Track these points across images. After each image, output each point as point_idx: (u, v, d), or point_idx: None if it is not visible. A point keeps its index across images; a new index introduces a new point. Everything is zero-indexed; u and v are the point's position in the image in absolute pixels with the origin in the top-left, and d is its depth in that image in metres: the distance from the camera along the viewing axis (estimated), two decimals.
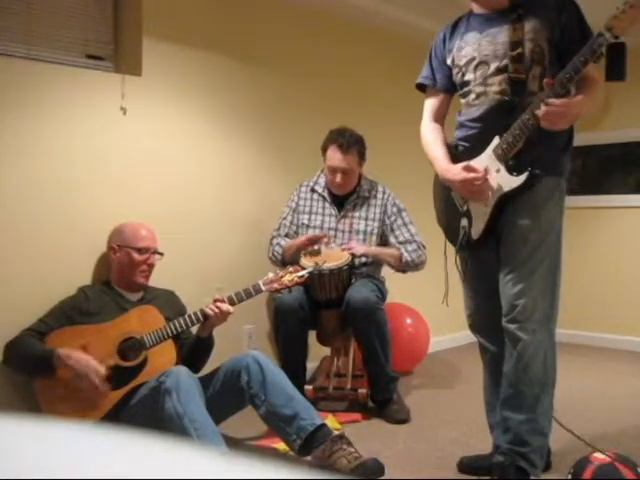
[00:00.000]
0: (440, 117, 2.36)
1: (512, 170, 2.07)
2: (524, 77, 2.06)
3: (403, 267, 3.19)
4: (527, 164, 2.05)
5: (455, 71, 2.23)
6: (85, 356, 2.31)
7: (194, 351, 2.55)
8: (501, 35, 2.09)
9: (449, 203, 2.28)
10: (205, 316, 2.43)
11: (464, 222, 2.23)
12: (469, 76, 2.17)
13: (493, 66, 2.10)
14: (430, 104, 2.36)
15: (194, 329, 2.55)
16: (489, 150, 2.11)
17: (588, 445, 2.23)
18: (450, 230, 2.32)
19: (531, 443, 2.11)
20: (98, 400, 2.31)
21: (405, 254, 3.16)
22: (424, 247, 3.21)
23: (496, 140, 2.09)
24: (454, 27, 2.27)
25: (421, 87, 2.39)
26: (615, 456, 1.94)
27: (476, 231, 2.20)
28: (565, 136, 2.13)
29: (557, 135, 2.03)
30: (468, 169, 2.11)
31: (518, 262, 2.10)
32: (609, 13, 1.80)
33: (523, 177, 2.05)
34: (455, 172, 2.15)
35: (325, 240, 3.13)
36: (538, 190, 2.09)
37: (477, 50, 2.14)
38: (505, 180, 2.08)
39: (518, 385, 2.12)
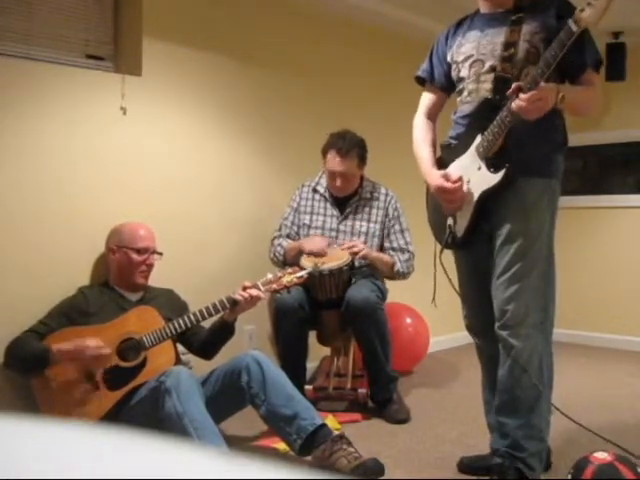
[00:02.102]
0: (434, 114, 2.38)
1: (490, 167, 2.07)
2: (510, 76, 2.06)
3: (393, 275, 3.20)
4: (512, 164, 2.04)
5: (453, 67, 2.25)
6: (77, 339, 2.32)
7: (213, 336, 2.59)
8: (499, 36, 2.11)
9: (437, 202, 2.29)
10: (234, 302, 2.46)
11: (450, 220, 2.23)
12: (464, 72, 2.19)
13: (487, 64, 2.12)
14: (426, 100, 2.38)
15: (207, 323, 2.56)
16: (472, 148, 2.12)
17: (604, 437, 2.21)
18: (437, 228, 2.33)
19: (528, 448, 2.11)
20: (97, 397, 2.32)
21: (398, 264, 3.17)
22: (414, 257, 3.22)
23: (478, 138, 2.10)
24: (458, 25, 2.28)
25: (420, 81, 2.40)
26: (615, 456, 1.94)
27: (460, 229, 2.20)
28: (558, 137, 2.13)
29: (549, 136, 2.03)
30: (446, 178, 2.13)
31: (507, 266, 2.08)
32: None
33: (500, 174, 2.05)
34: (434, 177, 2.18)
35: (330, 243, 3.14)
36: (527, 192, 2.08)
37: (476, 48, 2.15)
38: (484, 178, 2.09)
39: (513, 391, 2.11)
